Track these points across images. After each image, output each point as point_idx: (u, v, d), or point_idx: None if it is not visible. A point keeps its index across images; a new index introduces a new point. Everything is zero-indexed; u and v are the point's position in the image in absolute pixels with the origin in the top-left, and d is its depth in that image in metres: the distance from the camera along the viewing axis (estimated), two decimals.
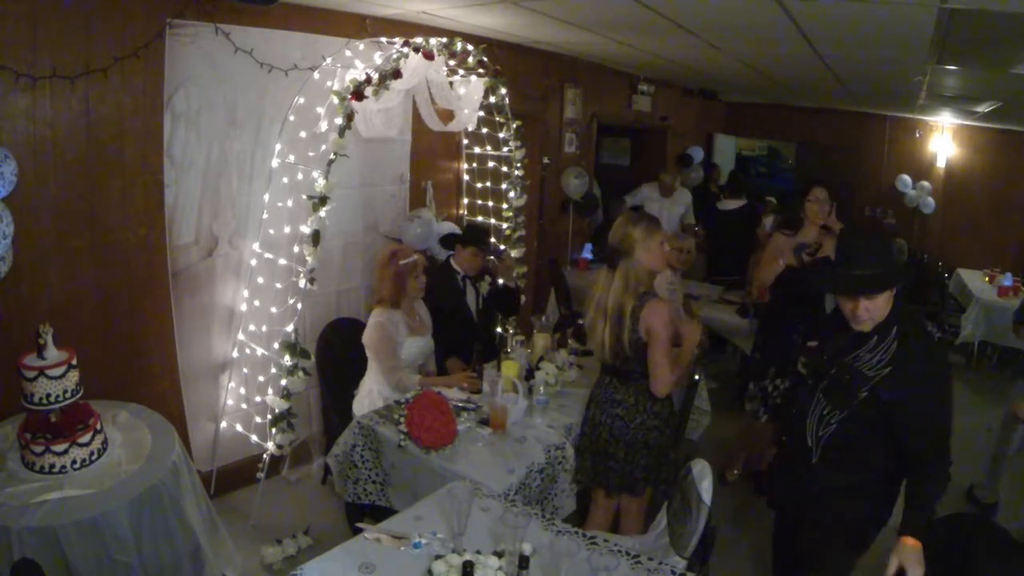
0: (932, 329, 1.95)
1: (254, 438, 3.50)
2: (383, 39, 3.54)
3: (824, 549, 2.21)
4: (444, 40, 3.41)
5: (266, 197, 3.43)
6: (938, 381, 2.01)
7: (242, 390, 3.54)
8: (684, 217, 6.42)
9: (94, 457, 2.34)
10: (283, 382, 3.16)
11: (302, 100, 3.37)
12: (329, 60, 3.42)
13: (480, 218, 4.71)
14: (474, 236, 3.77)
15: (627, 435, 2.62)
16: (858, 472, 2.10)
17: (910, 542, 1.86)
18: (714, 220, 6.21)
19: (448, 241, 3.93)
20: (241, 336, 3.49)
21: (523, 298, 4.63)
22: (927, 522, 1.93)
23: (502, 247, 4.42)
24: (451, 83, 3.77)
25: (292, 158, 3.35)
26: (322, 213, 3.08)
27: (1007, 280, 5.94)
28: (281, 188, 3.40)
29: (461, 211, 4.78)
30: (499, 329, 4.35)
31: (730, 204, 6.21)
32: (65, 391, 2.27)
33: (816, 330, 2.32)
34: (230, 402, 3.54)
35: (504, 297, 4.15)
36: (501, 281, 4.25)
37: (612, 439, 2.64)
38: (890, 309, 2.03)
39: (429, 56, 3.27)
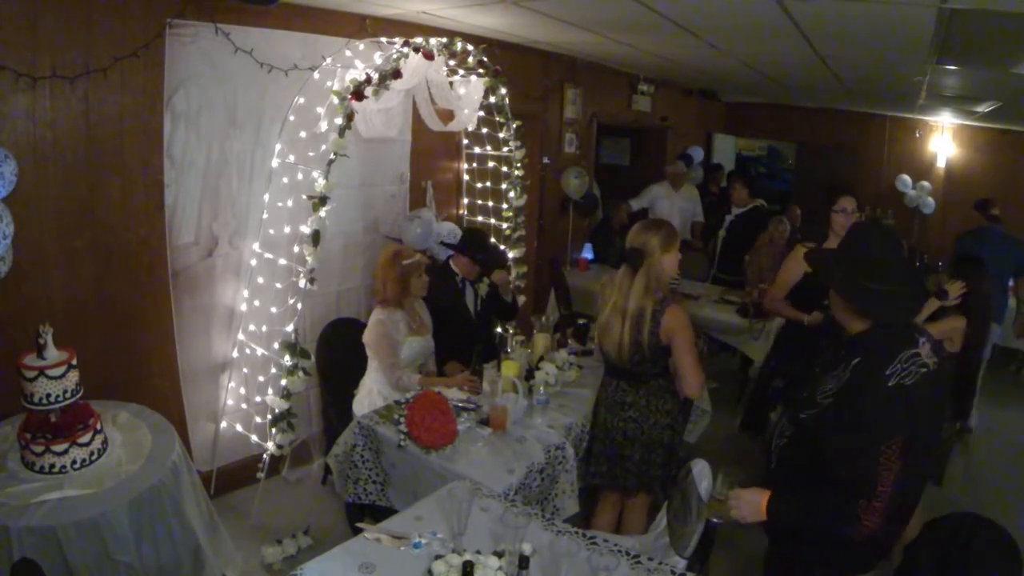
0: (899, 369, 1.70)
1: (254, 438, 3.49)
2: (383, 39, 3.54)
3: (769, 560, 2.11)
4: (444, 40, 3.41)
5: (266, 197, 3.43)
6: (860, 431, 1.70)
7: (242, 390, 3.54)
8: (695, 215, 6.41)
9: (94, 457, 2.34)
10: (283, 382, 3.16)
11: (302, 100, 3.37)
12: (329, 60, 3.42)
13: (480, 218, 4.71)
14: (469, 246, 3.74)
15: (642, 436, 2.67)
16: (795, 493, 1.89)
17: (761, 496, 1.83)
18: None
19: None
20: (241, 336, 3.49)
21: (523, 299, 4.63)
22: (786, 512, 1.83)
23: (503, 246, 4.41)
24: (451, 83, 3.77)
25: (292, 158, 3.35)
26: (322, 213, 3.08)
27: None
28: (281, 188, 3.40)
29: (461, 211, 4.78)
30: (498, 329, 4.35)
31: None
32: (65, 391, 2.27)
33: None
34: (230, 402, 3.54)
35: (501, 304, 4.14)
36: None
37: (627, 442, 2.69)
38: (863, 331, 1.80)
39: (429, 56, 3.27)
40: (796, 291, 3.41)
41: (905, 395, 1.68)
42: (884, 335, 1.78)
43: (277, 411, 3.19)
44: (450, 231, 4.23)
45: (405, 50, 3.22)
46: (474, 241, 3.82)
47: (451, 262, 3.77)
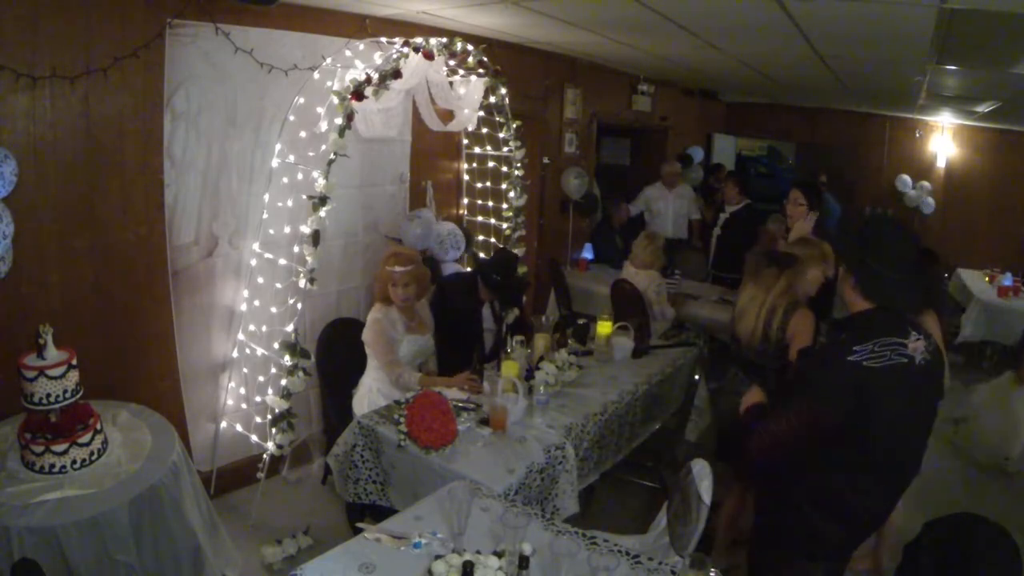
0: (868, 350, 1.76)
1: (254, 438, 3.49)
2: (383, 39, 3.54)
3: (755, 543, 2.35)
4: (444, 40, 3.41)
5: (266, 197, 3.43)
6: (801, 380, 1.95)
7: (242, 390, 3.53)
8: (691, 212, 6.42)
9: (94, 457, 2.34)
10: (283, 382, 3.16)
11: (302, 100, 3.37)
12: (329, 60, 3.42)
13: (480, 218, 4.71)
14: (486, 265, 3.60)
15: None
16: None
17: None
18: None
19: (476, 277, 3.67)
20: (241, 336, 3.49)
21: (522, 298, 4.63)
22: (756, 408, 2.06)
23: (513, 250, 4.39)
24: (451, 83, 3.77)
25: (292, 158, 3.35)
26: (322, 213, 3.08)
27: (1007, 280, 5.96)
28: (281, 188, 3.40)
29: (461, 211, 4.78)
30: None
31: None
32: (65, 391, 2.27)
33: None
34: (230, 402, 3.54)
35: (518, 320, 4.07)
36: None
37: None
38: (860, 312, 1.90)
39: (429, 56, 3.27)
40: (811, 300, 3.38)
41: (859, 375, 1.74)
42: (877, 319, 1.85)
43: (277, 411, 3.19)
44: (450, 231, 4.21)
45: (405, 50, 3.22)
46: (492, 263, 3.59)
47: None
